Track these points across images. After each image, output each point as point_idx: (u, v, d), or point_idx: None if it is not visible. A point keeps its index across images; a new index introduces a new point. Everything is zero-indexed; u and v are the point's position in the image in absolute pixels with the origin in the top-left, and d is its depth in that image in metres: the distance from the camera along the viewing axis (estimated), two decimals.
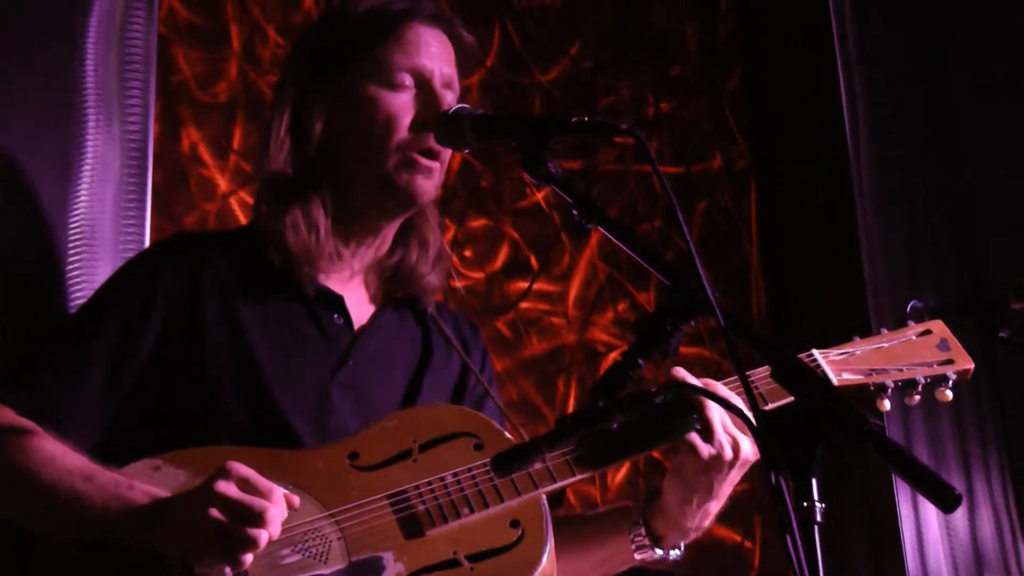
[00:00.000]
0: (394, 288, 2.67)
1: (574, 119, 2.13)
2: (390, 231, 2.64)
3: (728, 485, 2.47)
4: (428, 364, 2.67)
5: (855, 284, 4.27)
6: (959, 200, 4.56)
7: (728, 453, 2.41)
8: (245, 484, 2.13)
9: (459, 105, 2.31)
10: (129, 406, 2.42)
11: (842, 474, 4.05)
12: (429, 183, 2.55)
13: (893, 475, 3.95)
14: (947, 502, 1.64)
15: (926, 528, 4.09)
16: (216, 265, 2.53)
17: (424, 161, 2.52)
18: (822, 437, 1.72)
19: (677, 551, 2.56)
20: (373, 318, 2.63)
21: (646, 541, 2.53)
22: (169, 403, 2.43)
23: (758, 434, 1.80)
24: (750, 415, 1.82)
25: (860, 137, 4.44)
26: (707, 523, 2.53)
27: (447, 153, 2.56)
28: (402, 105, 2.53)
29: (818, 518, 1.72)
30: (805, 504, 1.72)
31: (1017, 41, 4.57)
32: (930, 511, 4.09)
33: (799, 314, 4.44)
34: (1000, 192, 4.52)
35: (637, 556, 2.54)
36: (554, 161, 2.11)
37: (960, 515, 4.16)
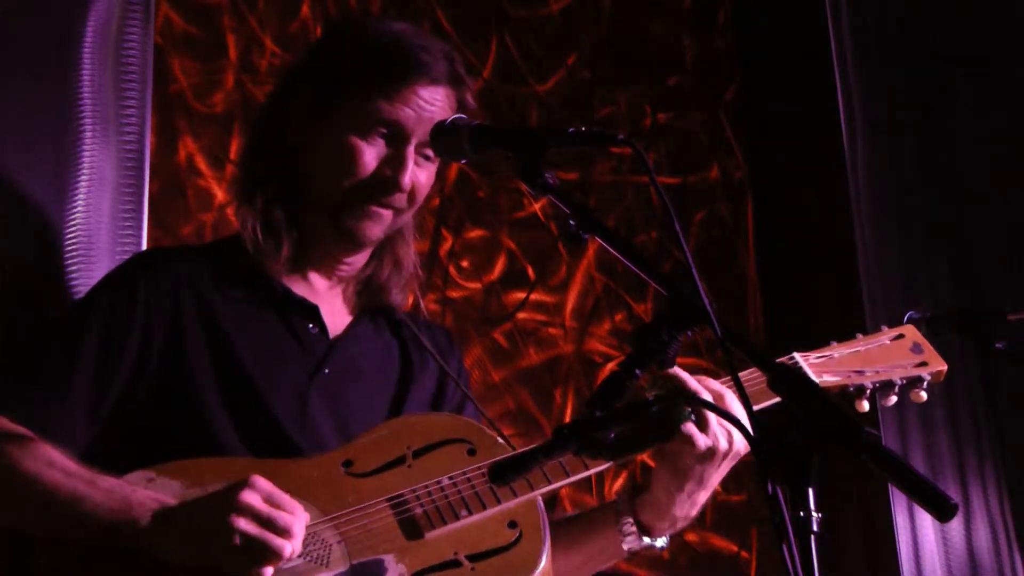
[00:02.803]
0: (366, 299, 2.71)
1: (571, 129, 2.14)
2: (356, 259, 2.68)
3: (719, 475, 2.51)
4: (407, 373, 2.70)
5: (852, 295, 4.28)
6: (956, 211, 4.56)
7: (723, 444, 2.44)
8: (269, 498, 2.15)
9: (456, 115, 2.31)
10: (116, 418, 2.43)
11: (838, 484, 4.05)
12: (377, 228, 2.59)
13: (889, 485, 3.95)
14: (943, 512, 1.64)
15: (922, 538, 4.09)
16: (194, 276, 2.56)
17: (374, 209, 2.57)
18: (818, 447, 1.72)
19: (664, 540, 2.58)
20: (349, 328, 2.66)
21: (634, 530, 2.55)
22: (155, 414, 2.44)
23: (755, 444, 1.80)
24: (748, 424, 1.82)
25: (857, 148, 4.44)
26: (695, 512, 2.56)
27: (406, 201, 2.59)
28: (369, 157, 2.55)
29: (814, 528, 1.72)
30: (801, 514, 1.72)
31: (1015, 54, 4.57)
32: (926, 521, 4.09)
33: (796, 325, 4.44)
34: (997, 203, 4.53)
35: (625, 546, 2.56)
36: (551, 172, 2.11)
37: (956, 525, 4.16)
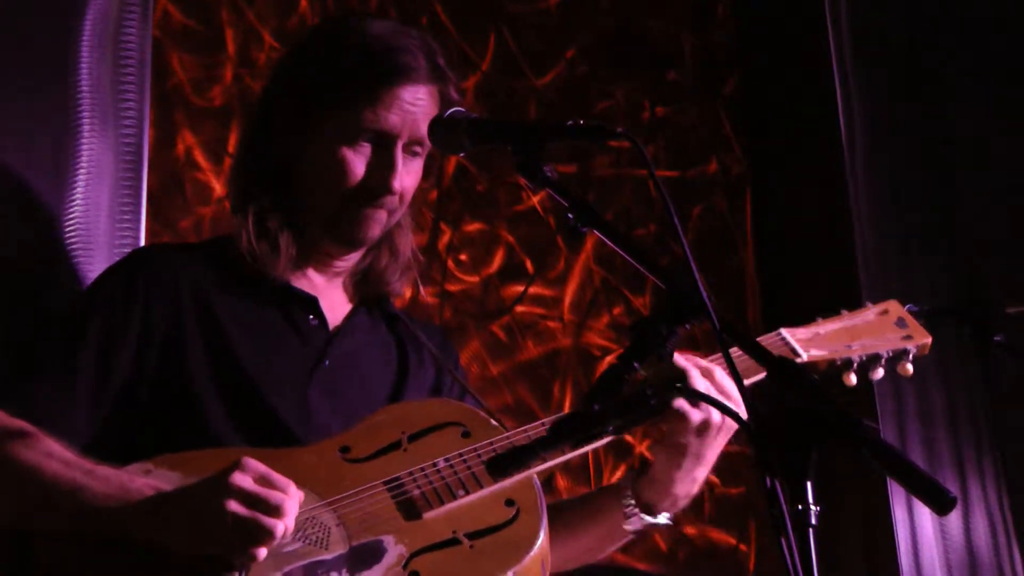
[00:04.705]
0: (365, 289, 2.73)
1: (570, 123, 2.14)
2: (353, 256, 2.69)
3: (716, 450, 2.53)
4: (405, 364, 2.72)
5: (850, 289, 4.28)
6: (954, 206, 4.56)
7: (716, 417, 2.45)
8: (260, 479, 2.16)
9: (454, 109, 2.31)
10: (116, 413, 2.43)
11: (837, 477, 4.05)
12: (375, 229, 2.62)
13: (888, 478, 3.95)
14: (942, 505, 1.65)
15: (920, 531, 4.10)
16: (192, 271, 2.57)
17: (369, 211, 2.58)
18: (817, 440, 1.73)
19: (665, 517, 2.59)
20: (347, 319, 2.67)
21: (637, 511, 2.56)
22: (155, 409, 2.45)
23: (754, 438, 1.80)
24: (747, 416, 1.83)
25: (855, 143, 4.44)
26: (695, 489, 2.57)
27: (398, 202, 2.61)
28: (358, 165, 2.56)
29: (813, 521, 1.72)
30: (800, 507, 1.72)
31: (1014, 49, 4.57)
32: (924, 514, 4.10)
33: (793, 320, 4.44)
34: (995, 198, 4.53)
35: (627, 527, 2.57)
36: (550, 165, 2.11)
37: (955, 518, 4.16)
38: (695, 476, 2.54)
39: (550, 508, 2.54)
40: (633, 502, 2.56)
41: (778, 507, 1.70)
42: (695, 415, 2.44)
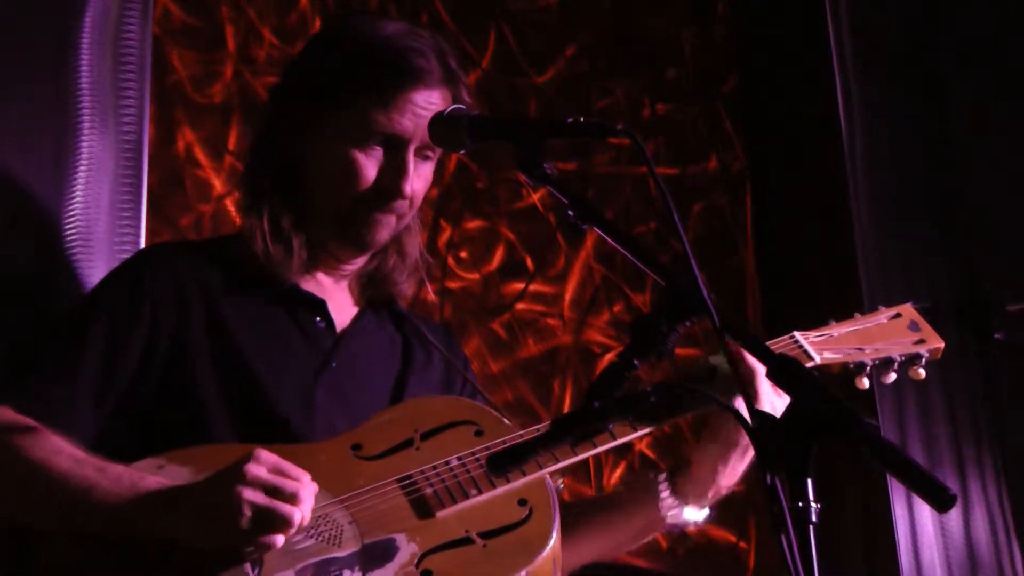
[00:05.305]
0: (372, 291, 2.73)
1: (570, 120, 2.14)
2: (361, 259, 2.69)
3: None
4: (411, 365, 2.71)
5: (850, 287, 4.28)
6: (955, 204, 4.57)
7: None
8: (275, 468, 2.16)
9: (455, 106, 2.31)
10: (121, 411, 2.43)
11: (837, 475, 4.05)
12: (384, 233, 2.61)
13: (888, 475, 3.96)
14: (942, 502, 1.65)
15: (920, 528, 4.10)
16: (199, 271, 2.56)
17: (379, 215, 2.58)
18: (817, 437, 1.72)
19: (707, 511, 2.62)
20: (354, 321, 2.67)
21: (677, 506, 2.58)
22: (160, 409, 2.44)
23: (753, 435, 1.80)
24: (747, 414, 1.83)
25: (856, 141, 4.44)
26: (735, 480, 2.60)
27: (408, 206, 2.60)
28: (369, 168, 2.55)
29: (813, 518, 1.72)
30: (800, 504, 1.72)
31: (1015, 47, 4.58)
32: (925, 511, 4.10)
33: (793, 318, 4.44)
34: (995, 197, 4.53)
35: (669, 522, 2.60)
36: (550, 162, 2.11)
37: (954, 515, 4.16)
38: (737, 469, 2.57)
39: (583, 506, 2.54)
40: (672, 501, 2.58)
41: (778, 504, 1.70)
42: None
